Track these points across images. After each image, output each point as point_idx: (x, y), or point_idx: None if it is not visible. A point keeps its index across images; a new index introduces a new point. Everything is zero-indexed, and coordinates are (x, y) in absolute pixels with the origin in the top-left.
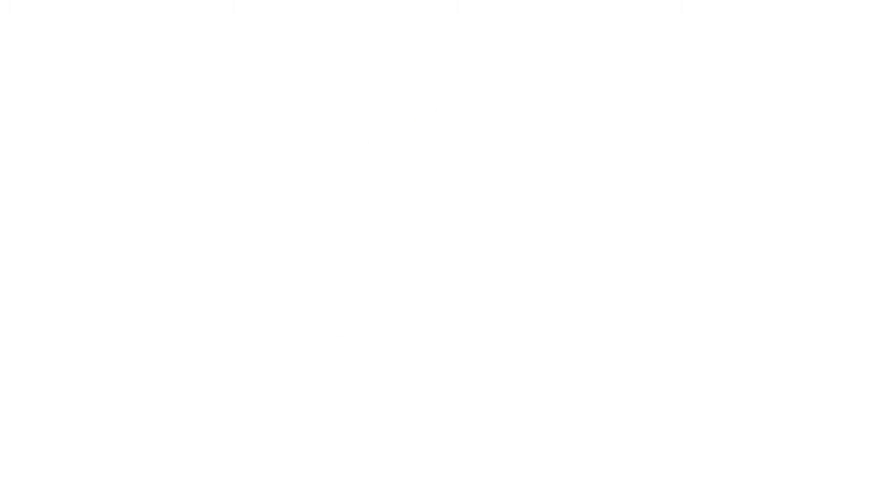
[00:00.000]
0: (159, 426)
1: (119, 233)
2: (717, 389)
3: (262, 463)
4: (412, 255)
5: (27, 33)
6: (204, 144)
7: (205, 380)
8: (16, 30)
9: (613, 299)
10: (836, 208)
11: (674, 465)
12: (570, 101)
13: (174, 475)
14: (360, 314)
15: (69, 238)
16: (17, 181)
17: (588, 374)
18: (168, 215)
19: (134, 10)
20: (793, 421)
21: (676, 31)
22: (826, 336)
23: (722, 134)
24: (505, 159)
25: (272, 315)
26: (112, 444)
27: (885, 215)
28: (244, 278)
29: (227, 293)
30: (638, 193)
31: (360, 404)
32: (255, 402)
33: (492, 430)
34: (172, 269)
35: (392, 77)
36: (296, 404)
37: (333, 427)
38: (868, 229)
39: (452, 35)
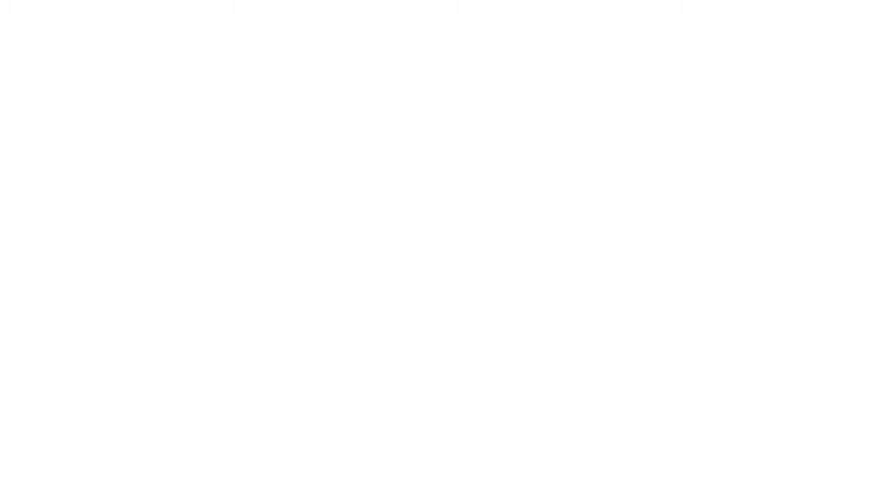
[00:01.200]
0: (157, 422)
1: (119, 230)
2: (716, 387)
3: (261, 461)
4: (412, 252)
5: (27, 33)
6: (204, 143)
7: (204, 376)
8: (16, 30)
9: (613, 297)
10: (834, 207)
11: (673, 463)
12: (571, 101)
13: (172, 473)
14: (359, 312)
15: (69, 235)
16: (17, 180)
17: (587, 371)
18: (168, 213)
19: (134, 10)
20: (791, 419)
21: (676, 31)
22: (825, 334)
23: (721, 133)
24: (504, 158)
25: (271, 312)
26: (110, 441)
27: (885, 214)
28: (243, 275)
29: (227, 290)
30: (637, 191)
31: (359, 403)
32: (255, 400)
33: (492, 429)
34: (172, 266)
35: (392, 77)
36: (295, 402)
37: (333, 424)
38: (867, 228)
39: (452, 35)
